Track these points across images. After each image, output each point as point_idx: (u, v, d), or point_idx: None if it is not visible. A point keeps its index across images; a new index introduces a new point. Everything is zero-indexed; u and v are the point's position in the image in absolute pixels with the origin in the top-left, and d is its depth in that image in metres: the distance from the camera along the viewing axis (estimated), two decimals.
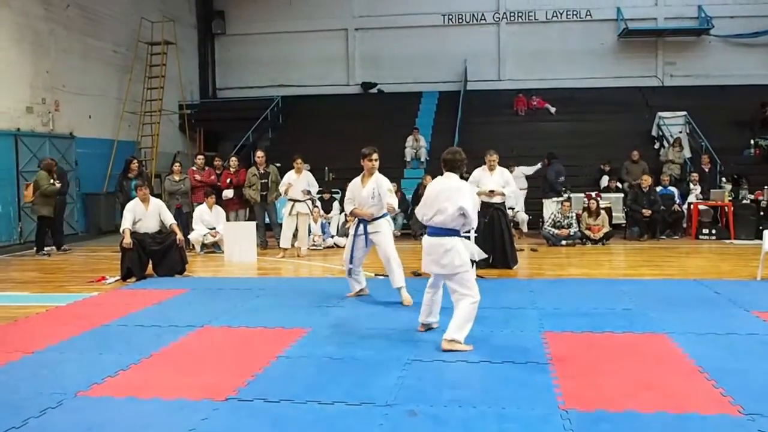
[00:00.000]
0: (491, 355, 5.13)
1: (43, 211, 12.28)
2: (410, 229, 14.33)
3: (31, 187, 12.34)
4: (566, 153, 15.56)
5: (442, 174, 5.63)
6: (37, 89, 14.37)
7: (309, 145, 17.01)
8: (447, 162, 5.57)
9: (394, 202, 7.06)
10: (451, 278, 5.44)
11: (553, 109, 19.47)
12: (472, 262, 5.62)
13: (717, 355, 5.06)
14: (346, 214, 7.35)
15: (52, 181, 12.29)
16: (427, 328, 5.92)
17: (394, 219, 14.30)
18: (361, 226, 7.24)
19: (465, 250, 5.44)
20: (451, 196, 5.38)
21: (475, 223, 5.34)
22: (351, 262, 7.37)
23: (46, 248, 12.46)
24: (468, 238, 7.91)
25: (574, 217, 12.62)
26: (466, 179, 10.59)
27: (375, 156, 7.19)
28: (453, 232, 5.44)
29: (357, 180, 7.34)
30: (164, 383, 4.68)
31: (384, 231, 7.27)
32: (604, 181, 15.33)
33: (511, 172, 12.90)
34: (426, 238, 5.57)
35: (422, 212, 5.63)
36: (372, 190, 7.16)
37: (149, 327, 6.35)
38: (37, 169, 12.72)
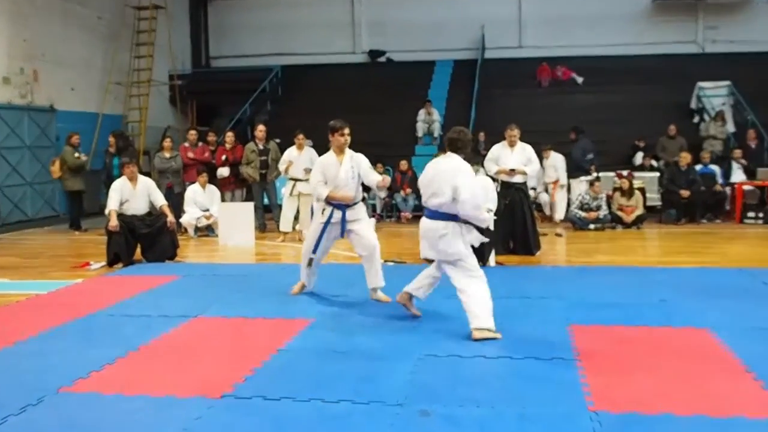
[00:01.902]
0: (512, 350, 5.11)
1: (73, 185, 13.17)
2: (422, 212, 14.29)
3: (58, 163, 13.19)
4: (595, 128, 15.43)
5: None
6: (14, 58, 14.39)
7: (311, 120, 16.88)
8: (452, 141, 5.61)
9: (379, 178, 6.85)
10: (448, 265, 5.58)
11: (580, 80, 19.33)
12: (475, 249, 5.69)
13: (765, 353, 5.00)
14: (319, 199, 6.83)
15: (77, 154, 13.04)
16: (407, 299, 6.01)
17: (405, 200, 14.33)
18: (337, 213, 6.87)
19: (459, 237, 5.50)
20: (448, 178, 5.43)
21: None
22: (315, 251, 7.04)
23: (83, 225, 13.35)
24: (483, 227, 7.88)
25: (604, 199, 12.56)
26: (484, 157, 10.60)
27: (347, 131, 6.87)
28: (450, 217, 5.49)
29: (329, 158, 6.90)
30: (154, 379, 4.69)
31: (365, 218, 7.03)
32: (638, 158, 15.24)
33: (545, 157, 12.81)
34: (423, 221, 5.66)
35: (421, 193, 5.70)
36: (350, 168, 6.83)
37: (138, 317, 6.36)
38: (23, 145, 13.36)
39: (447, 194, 5.41)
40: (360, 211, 6.96)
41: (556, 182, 12.97)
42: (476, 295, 5.44)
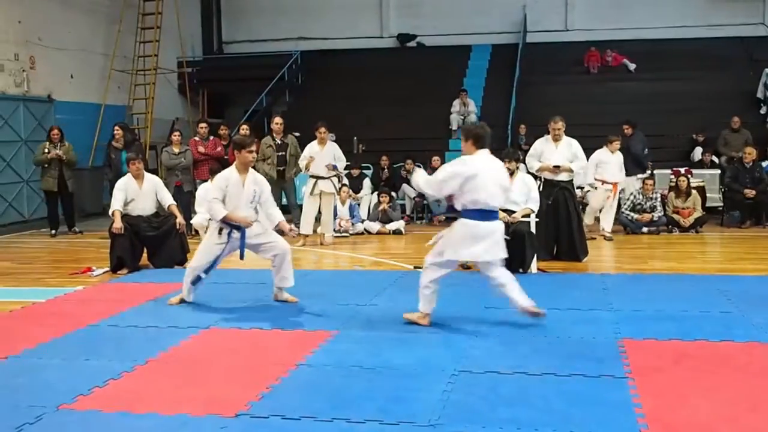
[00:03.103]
0: (556, 367, 5.10)
1: (46, 184, 13.15)
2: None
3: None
4: (649, 120, 15.37)
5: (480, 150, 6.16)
6: (8, 43, 14.57)
7: (334, 111, 17.03)
8: (479, 138, 6.16)
9: (281, 216, 7.45)
10: (497, 262, 6.20)
11: (632, 66, 19.23)
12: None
13: None
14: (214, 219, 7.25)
15: (47, 149, 12.88)
16: (428, 317, 6.35)
17: (438, 201, 14.31)
18: (236, 234, 7.14)
19: None
20: (503, 176, 6.26)
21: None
22: (207, 272, 7.32)
23: (75, 228, 13.47)
24: (527, 225, 7.99)
25: (659, 199, 12.46)
26: (525, 152, 10.58)
27: (255, 147, 7.33)
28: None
29: (232, 176, 7.19)
30: (163, 395, 4.74)
31: (269, 228, 7.41)
32: (697, 154, 15.12)
33: (612, 151, 11.82)
34: (486, 224, 6.08)
35: (447, 188, 6.11)
36: (253, 192, 7.18)
37: (144, 328, 6.43)
38: (18, 139, 13.43)
39: (504, 193, 6.28)
40: (262, 224, 7.28)
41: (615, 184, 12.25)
42: (512, 280, 6.22)
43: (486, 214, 6.04)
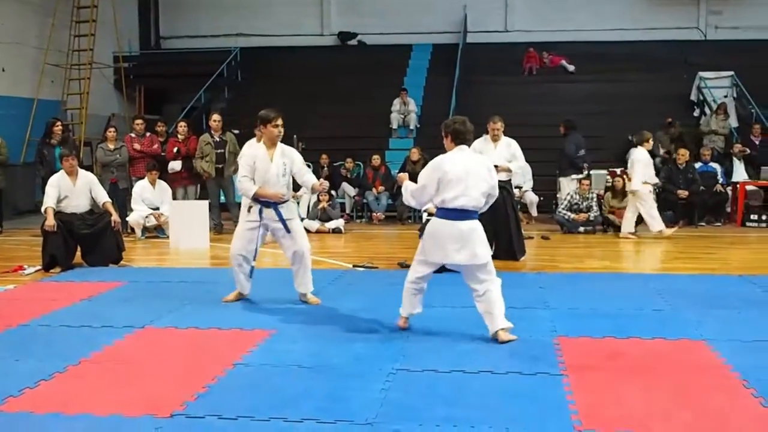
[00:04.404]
0: (493, 365, 5.16)
1: None
2: (395, 212, 14.37)
3: None
4: (587, 121, 15.62)
5: (446, 146, 5.87)
6: None
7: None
8: (458, 133, 5.81)
9: (315, 181, 7.02)
10: (479, 267, 5.78)
11: (571, 68, 19.56)
12: None
13: (765, 367, 5.09)
14: (253, 196, 6.90)
15: None
16: (407, 321, 6.12)
17: (377, 199, 14.37)
18: (268, 211, 6.95)
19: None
20: (485, 174, 5.77)
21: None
22: (254, 257, 7.16)
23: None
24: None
25: (595, 199, 12.70)
26: None
27: (281, 121, 6.92)
28: (477, 215, 5.82)
29: (258, 152, 7.00)
30: (96, 396, 4.67)
31: (296, 218, 7.16)
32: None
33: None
34: (452, 224, 5.71)
35: (425, 194, 5.80)
36: (282, 165, 6.95)
37: (78, 327, 6.33)
38: None
39: (482, 190, 5.74)
40: (290, 211, 7.08)
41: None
42: (500, 299, 5.80)
43: (458, 213, 5.68)
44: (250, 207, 7.00)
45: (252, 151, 7.06)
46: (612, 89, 18.39)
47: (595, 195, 12.79)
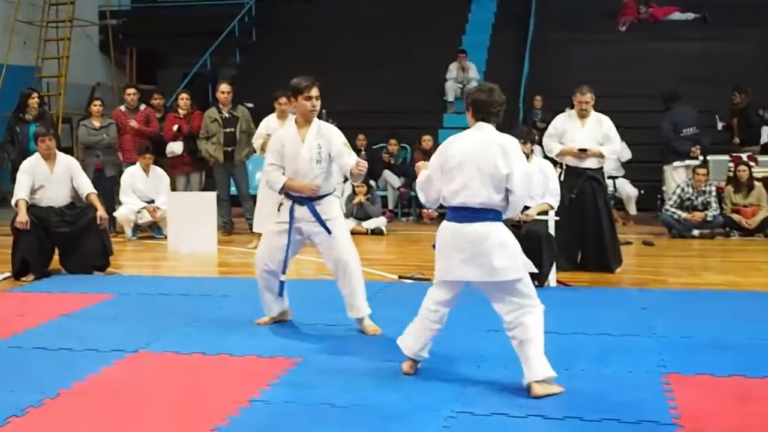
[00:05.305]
0: (582, 410, 5.07)
1: None
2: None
3: None
4: (701, 91, 15.37)
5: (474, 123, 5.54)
6: None
7: (296, 76, 16.95)
8: (480, 105, 5.48)
9: (353, 162, 6.66)
10: (504, 288, 5.39)
11: (690, 16, 19.12)
12: None
13: None
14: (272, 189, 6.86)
15: None
16: (416, 365, 5.81)
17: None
18: (301, 210, 6.80)
19: (517, 244, 5.41)
20: (493, 159, 5.33)
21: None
22: (284, 270, 6.95)
23: None
24: (545, 225, 7.81)
25: (714, 193, 12.49)
26: (541, 132, 10.55)
27: (315, 92, 6.77)
28: (495, 216, 5.41)
29: (288, 132, 6.92)
30: None
31: (338, 217, 6.98)
32: (765, 135, 15.08)
33: None
34: (456, 228, 5.44)
35: (432, 188, 5.57)
36: (317, 147, 6.74)
37: (55, 351, 6.37)
38: None
39: (490, 185, 5.33)
40: (331, 209, 6.91)
41: None
42: (539, 335, 5.32)
43: (462, 213, 5.47)
44: (280, 204, 6.90)
45: (281, 132, 7.01)
46: (734, 49, 17.95)
47: (713, 188, 12.54)
